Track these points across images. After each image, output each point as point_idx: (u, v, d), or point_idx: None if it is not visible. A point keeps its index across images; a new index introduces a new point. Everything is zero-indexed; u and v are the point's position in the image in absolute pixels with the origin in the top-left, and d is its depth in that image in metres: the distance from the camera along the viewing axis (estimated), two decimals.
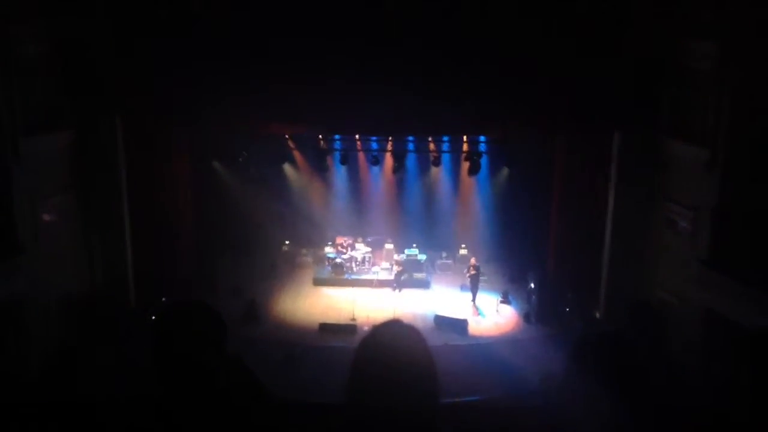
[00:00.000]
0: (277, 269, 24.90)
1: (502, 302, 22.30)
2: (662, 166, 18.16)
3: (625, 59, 17.47)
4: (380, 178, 26.41)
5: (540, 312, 21.05)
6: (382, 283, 23.81)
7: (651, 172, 18.43)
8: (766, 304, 13.41)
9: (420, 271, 24.58)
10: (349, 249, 25.31)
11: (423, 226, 26.28)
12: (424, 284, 24.07)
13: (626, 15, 17.37)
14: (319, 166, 23.61)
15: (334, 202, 26.53)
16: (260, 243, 25.39)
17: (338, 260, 24.49)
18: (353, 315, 20.98)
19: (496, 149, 22.67)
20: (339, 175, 26.08)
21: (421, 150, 24.34)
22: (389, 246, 25.70)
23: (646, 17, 17.28)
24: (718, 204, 15.84)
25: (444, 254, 25.76)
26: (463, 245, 25.58)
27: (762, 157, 14.60)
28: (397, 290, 23.51)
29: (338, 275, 24.16)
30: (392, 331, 3.06)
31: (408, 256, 24.83)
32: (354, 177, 26.29)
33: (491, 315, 21.81)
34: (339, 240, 25.81)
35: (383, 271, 24.49)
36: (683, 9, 16.73)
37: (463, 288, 22.57)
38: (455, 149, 24.05)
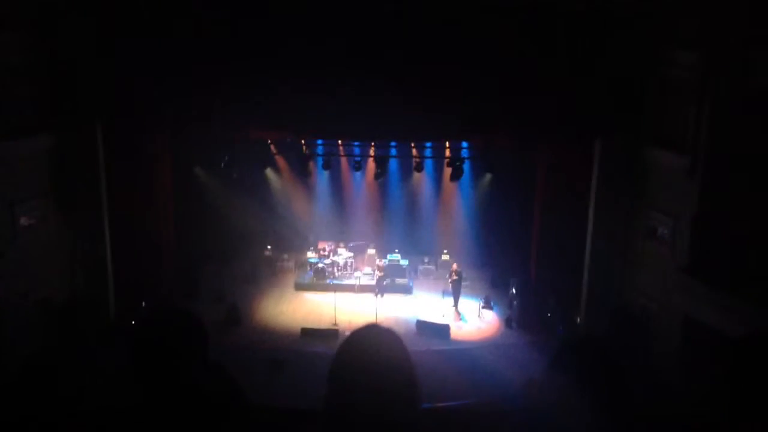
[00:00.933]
0: (259, 274, 24.85)
1: (484, 307, 22.31)
2: (641, 173, 18.29)
3: (608, 67, 17.57)
4: (363, 183, 26.38)
5: (522, 317, 21.12)
6: (364, 288, 23.83)
7: (632, 179, 18.55)
8: (744, 311, 13.54)
9: (402, 276, 24.63)
10: (331, 254, 25.30)
11: (405, 231, 26.34)
12: (406, 289, 24.12)
13: (609, 23, 17.46)
14: (301, 171, 23.59)
15: (316, 207, 26.49)
16: (242, 248, 25.34)
17: (320, 265, 24.46)
18: (335, 320, 21.03)
19: (478, 155, 22.78)
20: (321, 180, 26.03)
21: (404, 155, 24.37)
22: (371, 251, 25.68)
23: (628, 26, 17.38)
24: (698, 212, 15.96)
25: (426, 259, 25.84)
26: (445, 251, 25.64)
27: (741, 165, 14.74)
28: (379, 295, 23.50)
29: (320, 280, 24.15)
30: (370, 335, 3.03)
31: (390, 261, 24.86)
32: (336, 182, 26.28)
33: (473, 320, 21.83)
34: (321, 245, 25.80)
35: (365, 276, 24.49)
36: (665, 19, 16.89)
37: (445, 293, 22.47)
38: (438, 155, 24.12)
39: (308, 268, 24.91)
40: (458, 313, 22.28)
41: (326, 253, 25.32)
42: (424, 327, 20.57)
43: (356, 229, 26.40)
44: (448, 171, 23.16)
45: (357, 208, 26.53)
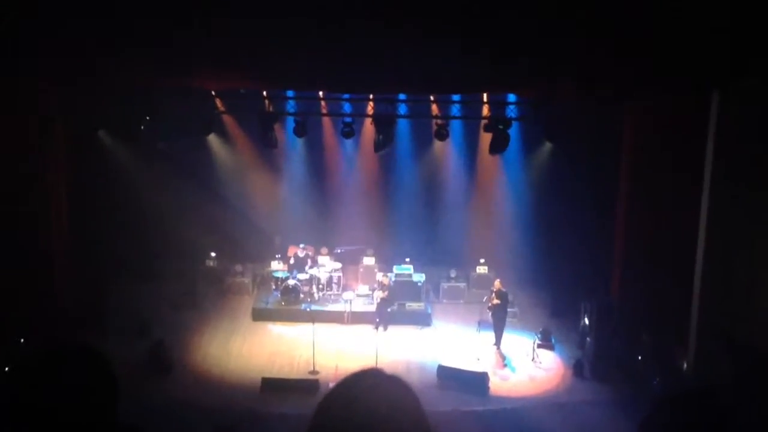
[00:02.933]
0: (199, 296, 25.01)
1: (541, 346, 22.49)
2: None
3: None
4: (356, 157, 26.49)
5: (599, 361, 21.19)
6: (358, 318, 23.90)
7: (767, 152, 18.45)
8: None
9: (416, 298, 24.67)
10: (308, 265, 25.30)
11: (421, 231, 26.48)
12: (423, 319, 24.18)
13: None
14: (263, 139, 23.59)
15: (285, 194, 26.67)
16: (172, 256, 25.44)
17: (291, 282, 24.46)
18: (313, 365, 21.12)
19: (532, 115, 22.80)
20: (293, 152, 26.20)
21: (419, 115, 24.40)
22: (369, 261, 25.74)
23: None
24: None
25: (453, 274, 25.91)
26: (482, 260, 25.75)
27: None
28: (381, 328, 23.48)
29: (291, 305, 24.20)
30: (366, 388, 3.07)
31: (398, 276, 24.88)
32: (316, 156, 26.41)
33: (525, 366, 21.95)
34: (293, 251, 25.79)
35: (360, 298, 24.58)
36: None
37: (482, 325, 22.69)
38: (471, 114, 24.13)
39: (273, 287, 24.95)
40: (502, 356, 22.26)
41: (300, 263, 25.33)
42: (449, 376, 20.69)
43: (347, 228, 26.54)
44: (486, 139, 23.12)
45: (347, 196, 26.70)
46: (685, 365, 20.17)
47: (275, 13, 16.52)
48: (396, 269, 25.19)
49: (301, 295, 24.47)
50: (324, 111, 24.33)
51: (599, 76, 18.68)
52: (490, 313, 22.63)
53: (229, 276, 25.88)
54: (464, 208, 26.53)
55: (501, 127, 22.34)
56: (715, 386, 17.92)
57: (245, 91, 22.70)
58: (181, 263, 25.54)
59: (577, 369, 21.49)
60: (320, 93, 23.53)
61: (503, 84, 20.80)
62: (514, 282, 24.95)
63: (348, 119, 23.68)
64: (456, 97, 23.81)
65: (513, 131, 23.10)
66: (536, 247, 25.32)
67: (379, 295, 23.89)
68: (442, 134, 23.62)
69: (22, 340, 18.79)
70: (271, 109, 23.02)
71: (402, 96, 23.56)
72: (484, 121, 23.20)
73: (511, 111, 23.16)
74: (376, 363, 20.49)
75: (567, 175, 24.20)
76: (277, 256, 25.95)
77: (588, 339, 21.77)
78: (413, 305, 24.56)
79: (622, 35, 16.74)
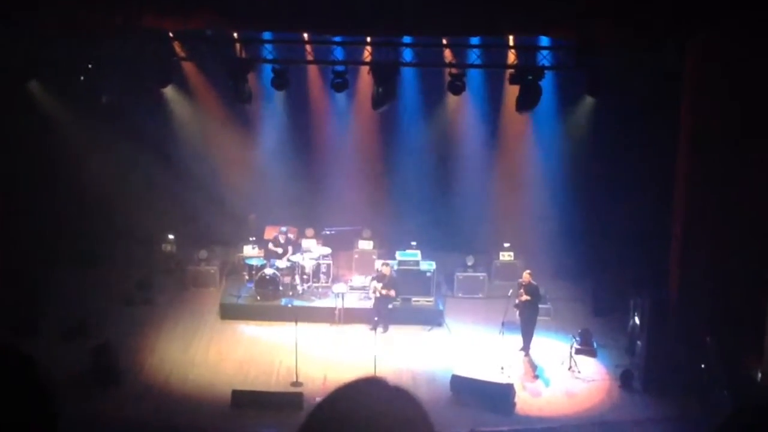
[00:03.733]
0: (153, 288, 24.98)
1: (580, 352, 22.46)
2: None
3: None
4: (350, 116, 26.32)
5: (651, 370, 21.11)
6: (352, 316, 23.80)
7: None
8: None
9: (425, 292, 24.57)
10: (289, 250, 25.12)
11: (430, 208, 26.43)
12: (433, 317, 24.15)
13: None
14: (233, 93, 23.37)
15: (261, 162, 26.58)
16: (120, 239, 25.44)
17: (269, 271, 24.29)
18: (296, 376, 21.07)
19: (569, 63, 22.69)
20: (271, 109, 26.01)
21: (428, 64, 24.28)
22: (366, 245, 25.67)
23: None
24: None
25: (470, 262, 25.73)
26: (507, 245, 25.66)
27: None
28: (380, 329, 22.94)
29: (268, 300, 24.14)
30: (364, 401, 3.06)
31: (402, 263, 24.69)
32: (300, 114, 26.23)
33: (560, 376, 21.93)
34: (270, 233, 25.67)
35: (354, 292, 24.50)
36: None
37: (506, 326, 22.44)
38: (492, 62, 24.04)
39: (246, 277, 24.89)
40: (531, 364, 22.21)
41: (280, 247, 25.12)
42: (466, 389, 20.69)
43: (338, 204, 26.43)
44: (512, 93, 22.97)
45: (339, 164, 26.55)
46: (759, 375, 20.05)
47: None
48: (399, 255, 24.98)
49: (281, 288, 24.27)
50: (310, 57, 24.03)
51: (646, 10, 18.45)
52: (516, 312, 22.48)
53: (191, 263, 25.75)
54: (485, 179, 26.27)
55: (531, 78, 22.16)
56: None
57: (211, 32, 22.50)
58: (131, 247, 25.51)
59: (626, 380, 21.42)
60: (305, 35, 23.31)
61: (534, 23, 20.89)
62: (547, 273, 24.81)
63: (339, 68, 23.47)
64: (475, 41, 23.75)
65: (546, 83, 22.80)
66: (574, 229, 25.22)
67: (377, 287, 23.60)
68: (457, 87, 23.37)
69: None
70: (243, 55, 22.81)
71: (407, 39, 23.45)
72: (509, 71, 22.86)
73: (544, 58, 22.88)
74: (375, 373, 20.08)
75: (613, 140, 24.11)
76: (251, 239, 25.79)
77: (638, 343, 21.70)
78: (421, 300, 24.50)
79: None
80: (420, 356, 22.59)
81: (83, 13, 19.34)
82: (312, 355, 21.96)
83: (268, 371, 21.70)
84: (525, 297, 22.27)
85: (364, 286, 24.72)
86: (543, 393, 21.33)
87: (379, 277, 23.77)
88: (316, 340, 22.74)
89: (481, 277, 25.69)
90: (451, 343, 23.31)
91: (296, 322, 21.78)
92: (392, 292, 23.52)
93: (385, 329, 23.41)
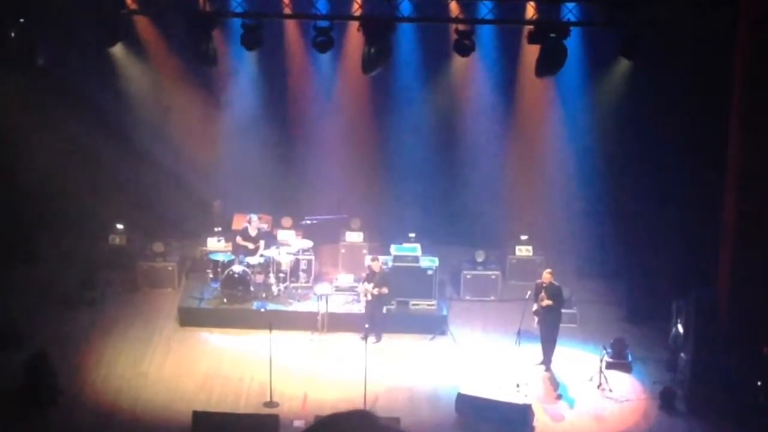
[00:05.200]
0: (97, 288, 24.93)
1: (611, 366, 22.54)
2: None
3: None
4: (335, 82, 26.35)
5: (697, 388, 21.16)
6: (337, 323, 23.90)
7: None
8: None
9: (426, 294, 24.63)
10: (261, 243, 25.12)
11: (432, 193, 26.55)
12: (435, 325, 24.22)
13: None
14: (195, 53, 23.32)
15: (229, 137, 26.63)
16: (59, 230, 25.51)
17: (237, 269, 24.39)
18: (269, 395, 21.23)
19: (600, 18, 22.85)
20: (241, 74, 26.05)
21: (431, 18, 24.35)
22: (354, 237, 25.82)
23: None
24: None
25: (480, 257, 25.79)
26: (524, 237, 25.78)
27: None
28: (372, 339, 22.98)
29: (237, 302, 24.24)
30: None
31: (398, 259, 24.74)
32: (275, 79, 26.27)
33: (587, 396, 22.01)
34: (239, 222, 25.73)
35: (341, 294, 24.55)
36: None
37: (523, 335, 22.64)
38: (508, 17, 24.17)
39: (210, 275, 24.94)
40: (553, 381, 22.33)
41: (251, 241, 25.12)
42: (475, 410, 20.78)
43: (321, 188, 26.56)
44: (531, 54, 23.10)
45: (323, 141, 26.62)
46: None
47: None
48: (395, 250, 24.99)
49: (253, 289, 24.35)
50: (287, 10, 23.91)
51: None
52: (536, 318, 22.54)
53: (144, 259, 25.75)
54: (498, 158, 26.35)
55: (554, 36, 22.19)
56: None
57: None
58: (73, 240, 25.56)
59: (666, 399, 21.47)
60: None
61: None
62: (573, 271, 25.08)
63: (323, 23, 23.41)
64: None
65: (571, 43, 22.85)
66: (605, 219, 25.38)
67: (368, 289, 23.62)
68: (465, 47, 23.39)
69: None
70: (207, 7, 22.78)
71: None
72: (528, 28, 22.89)
73: (570, 12, 22.84)
74: (365, 392, 20.43)
75: (652, 113, 24.17)
76: (216, 229, 25.83)
77: (682, 355, 21.77)
78: (420, 304, 24.56)
79: None
80: (420, 371, 22.68)
81: None
82: (290, 370, 22.06)
83: (237, 389, 21.77)
84: (546, 301, 22.32)
85: (353, 287, 24.63)
86: (567, 416, 21.43)
87: (368, 276, 23.82)
88: (294, 352, 22.81)
89: (493, 276, 25.73)
90: (457, 356, 23.34)
91: (271, 329, 21.81)
92: (384, 290, 23.48)
93: (378, 338, 23.52)
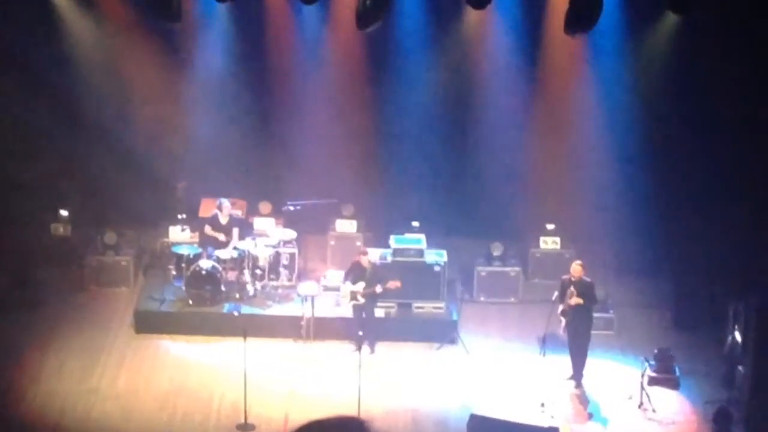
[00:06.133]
0: (36, 287, 24.58)
1: (655, 382, 22.24)
2: None
3: None
4: (324, 39, 26.04)
5: (759, 408, 20.94)
6: (325, 329, 23.56)
7: None
8: None
9: (432, 295, 24.31)
10: (234, 233, 24.81)
11: (440, 175, 26.30)
12: (443, 332, 23.92)
13: None
14: (158, 6, 23.22)
15: (195, 107, 26.29)
16: None
17: (206, 264, 24.04)
18: (244, 416, 20.86)
19: None
20: (211, 31, 25.75)
21: None
22: (346, 226, 25.54)
23: None
24: None
25: (497, 251, 25.53)
26: (550, 227, 25.49)
27: None
28: (365, 347, 22.94)
29: (205, 305, 23.93)
30: None
31: (399, 252, 24.45)
32: (251, 37, 26.00)
33: (625, 417, 21.69)
34: (208, 208, 25.47)
35: (329, 294, 24.18)
36: None
37: (546, 344, 22.39)
38: None
39: (173, 272, 24.61)
40: (584, 398, 22.03)
41: (222, 231, 24.77)
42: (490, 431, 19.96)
43: (305, 169, 26.17)
44: (558, 6, 22.94)
45: (307, 111, 26.19)
46: None
47: None
48: (395, 241, 24.73)
49: (224, 288, 24.03)
50: None
51: None
52: (563, 322, 22.22)
53: (92, 252, 25.43)
54: (518, 133, 25.96)
55: None
56: None
57: None
58: (7, 228, 25.10)
59: (722, 422, 20.97)
60: None
61: None
62: (609, 267, 24.91)
63: None
64: None
65: None
66: (648, 206, 25.06)
67: (356, 292, 23.30)
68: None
69: None
70: None
71: None
72: None
73: None
74: (359, 413, 20.19)
75: (705, 78, 23.93)
76: (179, 217, 25.39)
77: (740, 369, 21.57)
78: (426, 306, 24.27)
79: None
80: (425, 388, 22.31)
81: None
82: (268, 386, 21.76)
83: (205, 408, 21.49)
84: (575, 299, 21.97)
85: (341, 288, 24.05)
86: None
87: (356, 273, 23.42)
88: (274, 364, 22.58)
89: (513, 273, 25.54)
90: (470, 369, 23.01)
91: (245, 337, 21.40)
92: (378, 289, 23.15)
93: (373, 350, 23.40)
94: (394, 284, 23.08)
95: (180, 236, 25.17)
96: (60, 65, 25.57)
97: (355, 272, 23.32)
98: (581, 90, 25.91)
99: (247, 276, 24.41)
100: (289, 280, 24.87)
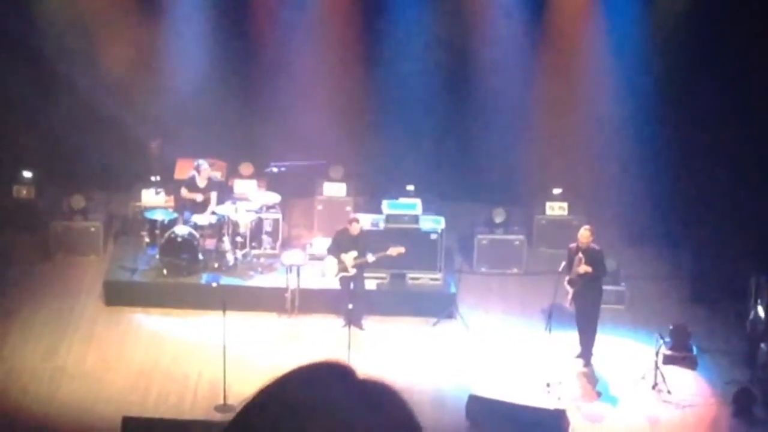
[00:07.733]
0: (0, 253, 24.50)
1: (670, 360, 22.14)
2: None
3: None
4: None
5: None
6: (311, 302, 23.47)
7: None
8: None
9: (428, 265, 24.19)
10: (213, 197, 24.69)
11: (436, 135, 26.13)
12: (440, 306, 23.72)
13: None
14: None
15: (170, 61, 26.23)
16: None
17: (181, 231, 23.94)
18: (223, 396, 20.74)
19: None
20: None
21: None
22: (335, 189, 25.43)
23: None
24: None
25: (499, 217, 25.34)
26: (557, 191, 25.31)
27: None
28: (355, 322, 22.78)
29: (180, 275, 23.86)
30: (322, 394, 3.13)
31: (392, 219, 24.29)
32: None
33: (639, 398, 21.63)
34: (184, 169, 25.37)
35: (316, 263, 23.90)
36: None
37: (553, 319, 22.30)
38: None
39: (146, 239, 24.42)
40: (593, 378, 21.97)
41: (199, 193, 24.61)
42: (491, 415, 20.48)
43: (290, 127, 26.01)
44: None
45: (293, 64, 26.08)
46: None
47: None
48: (388, 207, 24.59)
49: (201, 257, 23.95)
50: None
51: None
52: (570, 294, 21.99)
53: (59, 217, 25.28)
54: (522, 90, 25.74)
55: None
56: None
57: None
58: None
59: (743, 404, 21.05)
60: None
61: None
62: (620, 236, 24.84)
63: None
64: None
65: None
66: (662, 170, 24.99)
67: (345, 262, 23.13)
68: None
69: None
70: None
71: None
72: None
73: None
74: None
75: (725, 36, 23.76)
76: (153, 179, 25.33)
77: (762, 346, 21.51)
78: (421, 278, 24.10)
79: None
80: (420, 366, 22.21)
81: None
82: (249, 364, 21.56)
83: (181, 388, 21.44)
84: (584, 267, 21.83)
85: (331, 257, 23.82)
86: (612, 423, 21.12)
87: (343, 242, 23.26)
88: (255, 340, 22.52)
89: (517, 242, 25.37)
90: (469, 346, 22.93)
91: (224, 310, 21.29)
92: (370, 258, 23.10)
93: (362, 327, 23.25)
94: (396, 250, 22.99)
95: (154, 200, 25.15)
96: (22, 14, 25.36)
97: (340, 243, 23.25)
98: (592, 41, 25.89)
99: (226, 244, 24.36)
100: (273, 248, 24.81)
